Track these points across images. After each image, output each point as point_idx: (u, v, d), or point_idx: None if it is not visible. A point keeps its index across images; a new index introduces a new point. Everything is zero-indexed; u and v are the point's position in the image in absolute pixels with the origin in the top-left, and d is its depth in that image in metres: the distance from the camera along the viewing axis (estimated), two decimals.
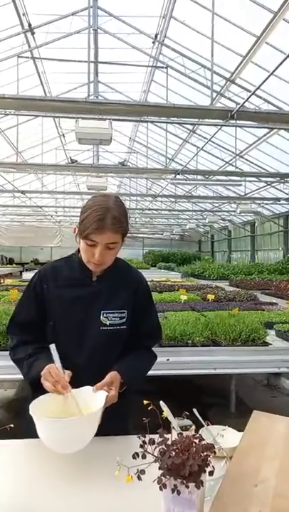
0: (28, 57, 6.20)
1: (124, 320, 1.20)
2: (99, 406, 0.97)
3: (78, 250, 1.18)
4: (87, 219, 1.07)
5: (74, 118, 4.90)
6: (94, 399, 1.02)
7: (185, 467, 0.70)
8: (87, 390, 1.05)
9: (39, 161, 9.34)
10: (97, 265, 1.13)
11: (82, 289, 1.19)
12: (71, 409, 1.00)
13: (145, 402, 0.86)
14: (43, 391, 1.05)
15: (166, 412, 0.90)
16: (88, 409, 1.00)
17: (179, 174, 8.42)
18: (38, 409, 0.95)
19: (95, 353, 1.17)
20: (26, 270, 12.73)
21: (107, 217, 1.06)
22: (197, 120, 6.18)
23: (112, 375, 1.09)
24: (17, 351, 1.21)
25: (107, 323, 1.17)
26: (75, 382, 1.13)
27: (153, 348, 1.33)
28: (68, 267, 1.22)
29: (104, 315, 1.17)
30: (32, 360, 1.13)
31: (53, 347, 1.03)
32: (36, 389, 1.10)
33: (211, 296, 4.48)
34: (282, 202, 10.82)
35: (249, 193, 10.97)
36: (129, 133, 10.82)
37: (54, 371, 1.01)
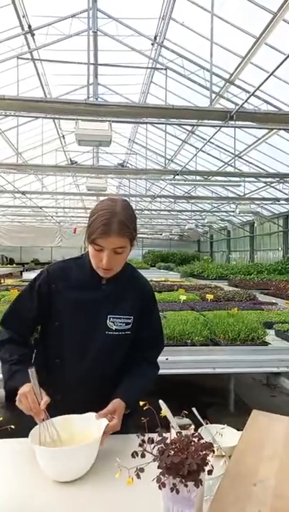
0: (27, 59, 6.21)
1: (130, 326, 1.19)
2: (97, 436, 0.97)
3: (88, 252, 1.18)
4: (94, 224, 1.07)
5: (74, 120, 4.91)
6: (95, 426, 1.02)
7: (184, 466, 0.70)
8: (90, 416, 1.05)
9: (39, 162, 9.35)
10: (106, 271, 1.12)
11: (91, 291, 1.18)
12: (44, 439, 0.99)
13: (141, 402, 0.87)
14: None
15: (165, 411, 0.91)
16: (88, 436, 1.01)
17: (178, 175, 8.42)
18: (37, 436, 0.96)
19: (98, 356, 1.17)
20: (26, 270, 12.73)
21: (113, 221, 1.05)
22: (196, 121, 6.20)
23: (116, 404, 1.08)
24: (2, 349, 1.18)
25: (113, 328, 1.17)
26: (77, 385, 1.13)
27: None
28: (78, 268, 1.21)
29: (111, 319, 1.17)
30: (15, 370, 1.10)
31: (31, 371, 1.00)
32: (11, 396, 1.09)
33: (210, 296, 4.49)
34: (281, 202, 10.82)
35: (248, 194, 10.97)
36: (128, 134, 10.84)
37: (31, 397, 0.99)
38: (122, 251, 1.10)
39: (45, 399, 1.01)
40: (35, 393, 1.00)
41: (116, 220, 1.05)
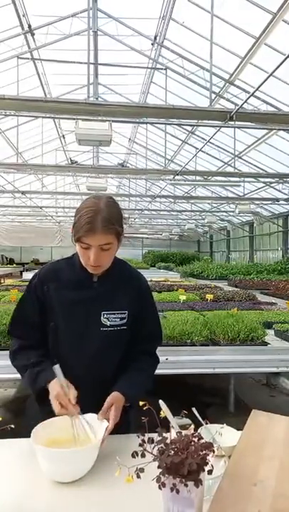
0: (28, 59, 6.21)
1: (125, 321, 1.20)
2: (98, 438, 0.98)
3: None
4: (78, 222, 1.09)
5: (74, 119, 4.91)
6: (97, 427, 1.02)
7: (184, 466, 0.70)
8: (91, 416, 1.05)
9: (39, 161, 9.34)
10: (95, 267, 1.14)
11: (83, 290, 1.19)
12: (77, 435, 1.01)
13: (141, 402, 0.87)
14: (49, 402, 1.06)
15: (165, 411, 0.91)
16: (88, 437, 1.01)
17: (178, 175, 8.42)
18: (41, 434, 0.97)
19: (96, 353, 1.18)
20: (26, 270, 12.72)
21: (96, 219, 1.07)
22: (196, 121, 6.20)
23: (113, 396, 1.09)
24: (18, 356, 1.21)
25: (108, 323, 1.18)
26: (77, 385, 1.13)
27: None
28: (69, 268, 1.22)
29: (105, 316, 1.18)
30: (37, 371, 1.12)
31: (57, 368, 1.03)
32: (41, 400, 1.11)
33: (209, 296, 4.49)
34: (281, 202, 10.82)
35: (248, 194, 10.98)
36: (128, 134, 10.84)
37: (64, 401, 1.02)
38: (109, 247, 1.11)
39: (74, 393, 1.03)
40: (64, 391, 1.02)
41: (100, 218, 1.07)
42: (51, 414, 1.04)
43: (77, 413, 1.02)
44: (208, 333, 2.82)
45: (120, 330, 1.19)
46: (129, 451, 0.77)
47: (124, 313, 1.20)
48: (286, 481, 0.83)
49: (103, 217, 1.07)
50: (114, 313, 1.18)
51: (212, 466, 0.74)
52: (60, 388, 1.03)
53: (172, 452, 0.73)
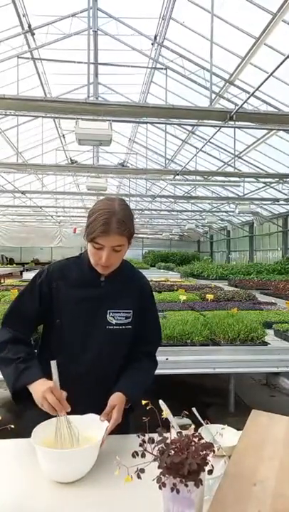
0: (28, 58, 6.21)
1: (130, 320, 1.22)
2: (98, 439, 0.97)
3: (87, 251, 1.20)
4: (94, 223, 1.10)
5: (74, 119, 4.91)
6: (97, 427, 1.02)
7: (184, 466, 0.70)
8: (92, 417, 1.05)
9: (39, 161, 9.34)
10: (105, 267, 1.15)
11: (90, 289, 1.20)
12: (70, 436, 1.00)
13: (144, 402, 0.87)
14: (27, 402, 1.05)
15: (166, 411, 0.91)
16: (90, 437, 1.01)
17: (178, 175, 8.42)
18: (41, 434, 0.96)
19: (100, 352, 1.18)
20: (26, 270, 12.74)
21: (112, 220, 1.08)
22: (196, 121, 6.20)
23: (115, 398, 1.10)
24: (5, 349, 1.15)
25: (114, 322, 1.19)
26: (80, 383, 1.13)
27: None
28: (77, 267, 1.23)
29: (111, 314, 1.20)
30: (23, 367, 1.09)
31: (53, 364, 1.01)
32: (18, 399, 1.10)
33: (210, 296, 4.49)
34: (281, 202, 10.83)
35: (248, 194, 10.98)
36: (128, 134, 10.84)
37: (58, 393, 1.01)
38: (121, 249, 1.13)
39: (64, 392, 1.02)
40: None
41: (115, 220, 1.08)
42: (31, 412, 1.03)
43: (66, 411, 1.00)
44: (209, 333, 2.82)
45: (125, 329, 1.21)
46: (129, 451, 0.77)
47: (130, 313, 1.22)
48: (286, 481, 0.83)
49: (118, 220, 1.09)
50: (119, 312, 1.20)
51: (212, 466, 0.74)
52: (52, 384, 1.01)
53: (172, 452, 0.73)
